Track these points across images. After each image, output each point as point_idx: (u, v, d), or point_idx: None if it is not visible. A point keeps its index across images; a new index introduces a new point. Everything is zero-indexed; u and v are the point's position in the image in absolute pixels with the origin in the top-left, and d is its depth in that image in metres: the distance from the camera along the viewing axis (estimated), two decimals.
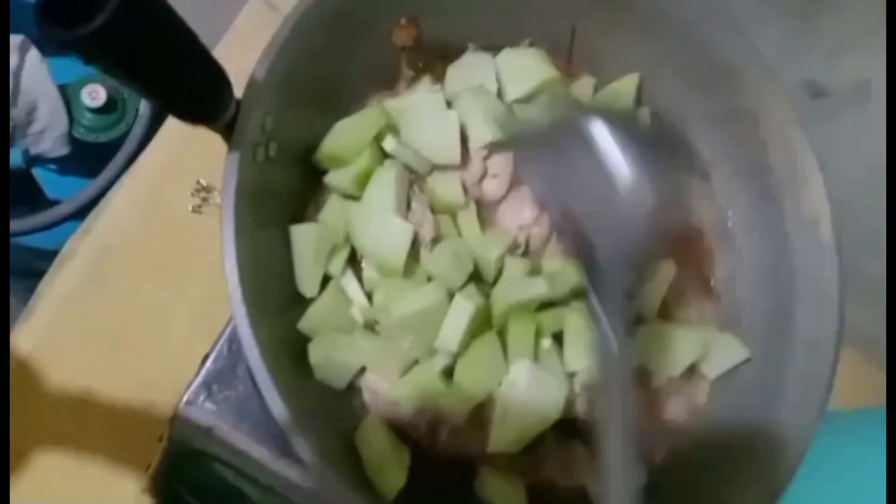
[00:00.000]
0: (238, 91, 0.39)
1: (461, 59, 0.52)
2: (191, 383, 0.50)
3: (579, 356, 0.45)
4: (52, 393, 0.58)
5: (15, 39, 0.79)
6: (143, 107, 0.87)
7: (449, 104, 0.49)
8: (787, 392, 0.45)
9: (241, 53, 0.43)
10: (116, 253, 0.61)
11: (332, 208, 0.47)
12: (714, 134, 0.52)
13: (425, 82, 0.51)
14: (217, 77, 0.36)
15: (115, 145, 0.85)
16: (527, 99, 0.51)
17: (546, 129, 0.42)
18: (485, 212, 0.50)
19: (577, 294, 0.46)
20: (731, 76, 0.48)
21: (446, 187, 0.48)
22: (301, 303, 0.45)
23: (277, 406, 0.37)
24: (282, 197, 0.46)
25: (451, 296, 0.45)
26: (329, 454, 0.39)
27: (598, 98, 0.52)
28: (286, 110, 0.43)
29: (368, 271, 0.47)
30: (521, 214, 0.50)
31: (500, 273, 0.47)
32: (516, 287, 0.46)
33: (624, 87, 0.53)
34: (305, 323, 0.45)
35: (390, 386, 0.45)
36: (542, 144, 0.41)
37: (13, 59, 0.79)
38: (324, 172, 0.48)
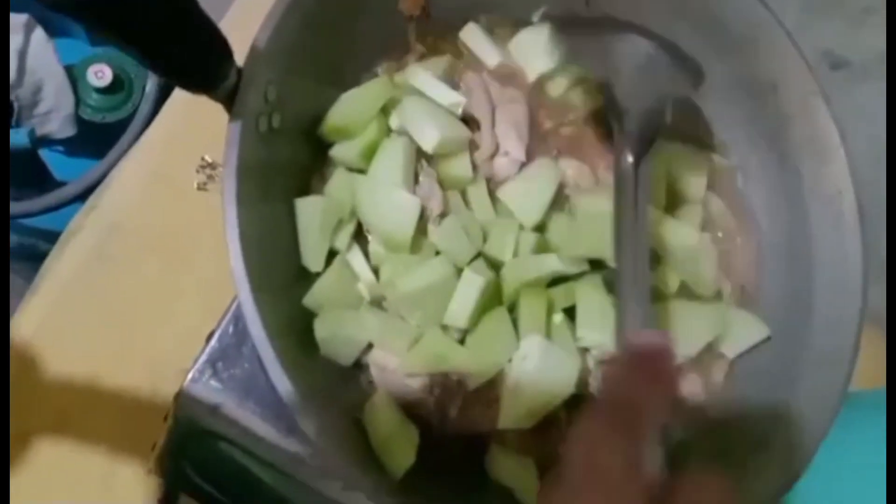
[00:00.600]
0: (240, 59, 0.38)
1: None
2: (196, 360, 0.49)
3: (593, 331, 0.44)
4: (57, 372, 0.58)
5: (20, 19, 0.79)
6: (150, 86, 0.86)
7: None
8: (807, 373, 0.44)
9: (248, 23, 0.42)
10: (122, 230, 0.60)
11: (338, 181, 0.46)
12: (734, 105, 0.50)
13: (435, 61, 0.50)
14: (216, 42, 0.35)
15: (121, 125, 0.85)
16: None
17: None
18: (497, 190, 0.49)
19: (590, 268, 0.45)
20: (750, 46, 0.47)
21: (454, 163, 0.47)
22: (306, 278, 0.44)
23: (283, 383, 0.37)
24: (286, 169, 0.45)
25: (459, 271, 0.44)
26: (336, 432, 0.39)
27: None
28: (290, 80, 0.42)
29: (375, 245, 0.46)
30: None
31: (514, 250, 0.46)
32: (528, 264, 0.45)
33: None
34: (311, 298, 0.44)
35: (398, 361, 0.44)
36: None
37: (18, 39, 0.78)
38: (329, 145, 0.47)
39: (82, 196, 0.82)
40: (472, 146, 0.48)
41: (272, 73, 0.40)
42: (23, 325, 0.59)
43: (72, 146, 0.89)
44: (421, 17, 0.49)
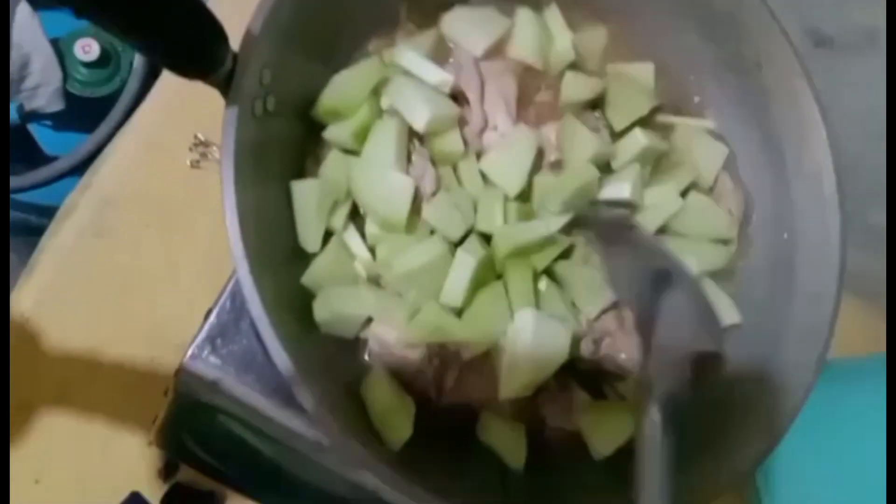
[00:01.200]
0: (235, 44, 0.39)
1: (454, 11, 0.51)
2: (195, 337, 0.50)
3: (587, 304, 0.46)
4: (56, 347, 0.59)
5: None
6: (138, 61, 0.85)
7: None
8: (787, 344, 0.46)
9: (240, 4, 0.42)
10: (117, 206, 0.61)
11: (333, 163, 0.47)
12: (720, 82, 0.51)
13: (423, 37, 0.50)
14: (212, 29, 0.35)
15: (110, 100, 0.84)
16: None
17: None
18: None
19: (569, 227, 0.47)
20: (734, 24, 0.48)
21: (445, 139, 0.48)
22: (304, 257, 0.45)
23: (281, 358, 0.38)
24: (281, 151, 0.45)
25: (453, 247, 0.45)
26: (334, 406, 0.40)
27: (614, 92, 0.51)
28: (284, 62, 0.42)
29: (370, 226, 0.47)
30: None
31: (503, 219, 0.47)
32: (515, 231, 0.46)
33: (642, 76, 0.52)
34: (309, 278, 0.45)
35: (398, 333, 0.45)
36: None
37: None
38: (323, 126, 0.47)
39: (73, 171, 0.82)
40: (462, 122, 0.49)
41: (267, 57, 0.41)
42: (21, 302, 0.59)
43: (60, 121, 0.88)
44: None
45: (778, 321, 0.47)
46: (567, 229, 0.47)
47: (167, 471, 0.58)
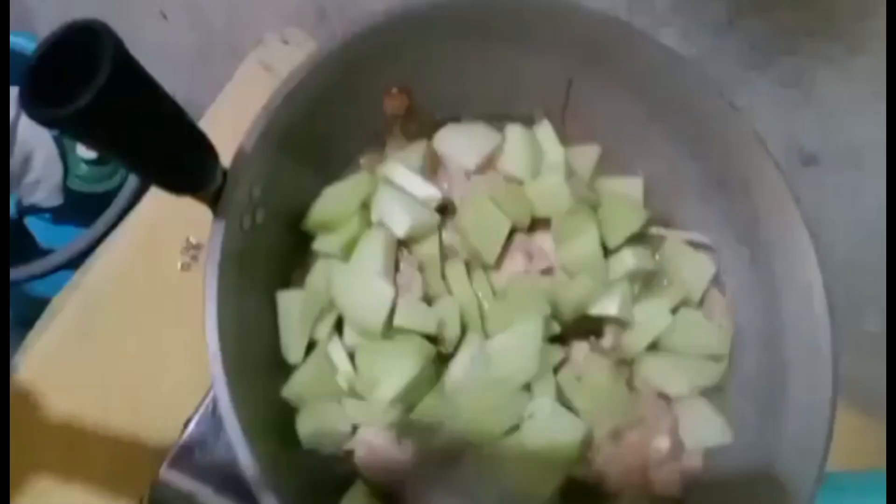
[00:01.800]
0: (227, 156, 0.39)
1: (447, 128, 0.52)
2: (173, 447, 0.49)
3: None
4: (32, 450, 0.57)
5: (13, 91, 0.80)
6: None
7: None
8: (782, 459, 0.45)
9: (235, 114, 0.43)
10: (104, 307, 0.60)
11: (320, 272, 0.47)
12: (708, 199, 0.51)
13: (413, 149, 0.51)
14: (203, 150, 0.36)
15: (109, 196, 0.85)
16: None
17: None
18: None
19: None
20: (723, 145, 0.48)
21: (425, 245, 0.48)
22: (286, 368, 0.45)
23: (260, 485, 0.37)
24: (268, 261, 0.45)
25: (435, 355, 0.45)
26: None
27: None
28: (275, 176, 0.43)
29: (349, 334, 0.46)
30: (514, 263, 0.50)
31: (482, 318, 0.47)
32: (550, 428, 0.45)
33: (632, 191, 0.53)
34: (289, 390, 0.44)
35: (386, 435, 0.44)
36: None
37: (11, 110, 0.79)
38: (312, 236, 0.48)
39: (68, 264, 0.82)
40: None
41: (257, 174, 0.41)
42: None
43: (58, 214, 0.89)
44: (405, 116, 0.50)
45: (772, 435, 0.46)
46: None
47: None
